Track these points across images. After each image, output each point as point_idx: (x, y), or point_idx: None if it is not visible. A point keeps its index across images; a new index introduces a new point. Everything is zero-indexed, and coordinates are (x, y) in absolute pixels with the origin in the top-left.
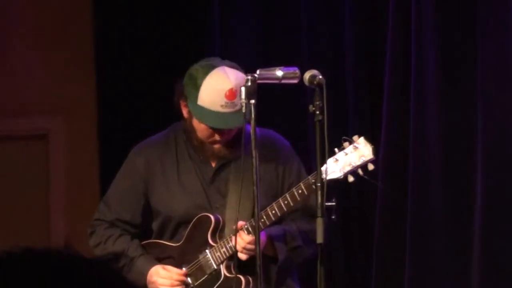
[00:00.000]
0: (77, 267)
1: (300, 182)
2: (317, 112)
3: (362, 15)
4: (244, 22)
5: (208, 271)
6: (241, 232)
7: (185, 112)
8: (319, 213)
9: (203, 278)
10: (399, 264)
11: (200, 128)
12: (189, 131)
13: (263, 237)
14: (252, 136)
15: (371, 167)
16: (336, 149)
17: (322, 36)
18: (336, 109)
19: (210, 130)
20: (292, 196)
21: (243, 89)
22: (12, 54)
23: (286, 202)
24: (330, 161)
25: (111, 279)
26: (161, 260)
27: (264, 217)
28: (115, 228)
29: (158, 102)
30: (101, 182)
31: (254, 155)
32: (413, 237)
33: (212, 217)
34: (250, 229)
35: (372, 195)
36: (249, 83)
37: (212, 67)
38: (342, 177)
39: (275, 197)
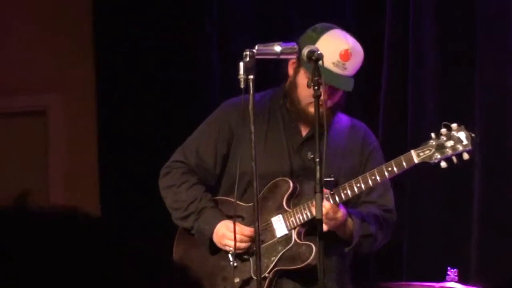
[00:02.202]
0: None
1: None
2: (316, 88)
3: (361, 9)
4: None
5: (279, 235)
6: (326, 203)
7: (291, 69)
8: (317, 188)
9: (272, 241)
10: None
11: (303, 84)
12: (290, 91)
13: (342, 210)
14: (251, 112)
15: (466, 156)
16: (432, 134)
17: None
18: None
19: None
20: (381, 173)
21: (241, 64)
22: (12, 32)
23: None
24: (426, 144)
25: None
26: (230, 218)
27: (336, 196)
28: (193, 174)
29: (156, 79)
30: (100, 158)
31: (252, 130)
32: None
33: (291, 182)
34: (330, 199)
35: None
36: (248, 59)
37: (334, 28)
38: (436, 162)
39: None
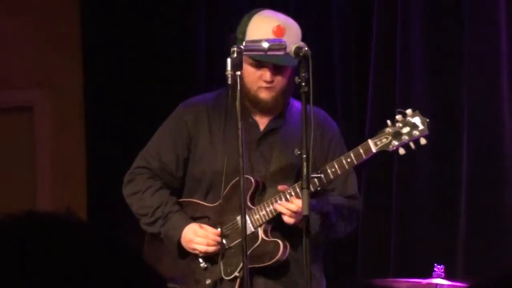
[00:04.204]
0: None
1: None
2: (303, 84)
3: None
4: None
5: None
6: (292, 197)
7: (244, 64)
8: (304, 184)
9: (239, 240)
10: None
11: (248, 72)
12: (243, 85)
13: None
14: (238, 108)
15: (423, 141)
16: (388, 121)
17: (309, 30)
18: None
19: (258, 72)
20: (340, 164)
21: (228, 60)
22: None
23: (333, 169)
24: (383, 132)
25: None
26: (196, 219)
27: (298, 189)
28: (157, 179)
29: (144, 75)
30: (87, 154)
31: (239, 126)
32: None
33: (252, 179)
34: (293, 194)
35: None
36: (235, 55)
37: (262, 10)
38: (394, 149)
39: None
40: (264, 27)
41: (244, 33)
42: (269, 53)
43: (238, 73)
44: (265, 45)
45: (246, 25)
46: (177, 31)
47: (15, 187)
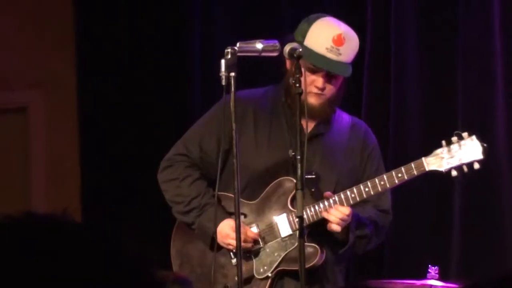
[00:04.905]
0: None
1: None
2: (297, 85)
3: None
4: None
5: (283, 235)
6: (336, 204)
7: (288, 63)
8: (299, 185)
9: (276, 240)
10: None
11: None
12: (288, 85)
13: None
14: (232, 109)
15: (476, 166)
16: (443, 142)
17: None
18: None
19: (311, 77)
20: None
21: (222, 61)
22: None
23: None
24: (437, 152)
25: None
26: (232, 214)
27: (343, 197)
28: (196, 169)
29: (137, 76)
30: (81, 154)
31: (234, 128)
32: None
33: (295, 181)
34: (337, 201)
35: None
36: (229, 56)
37: (325, 16)
38: (447, 170)
39: (356, 182)
40: (325, 33)
41: (304, 36)
42: (328, 55)
43: (232, 74)
44: (259, 46)
45: (307, 29)
46: (171, 31)
47: (9, 187)
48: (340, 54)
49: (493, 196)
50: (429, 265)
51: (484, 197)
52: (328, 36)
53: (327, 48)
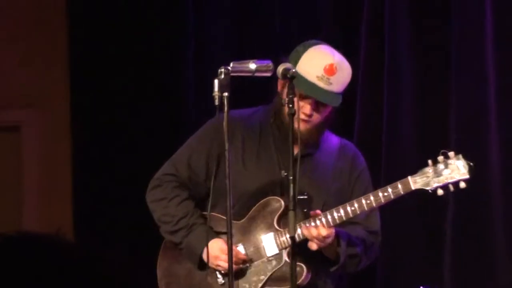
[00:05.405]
0: (69, 251)
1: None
2: (290, 105)
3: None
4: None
5: (269, 254)
6: (321, 223)
7: (280, 85)
8: (291, 206)
9: (261, 259)
10: None
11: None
12: (279, 107)
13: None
14: (225, 129)
15: (462, 185)
16: (429, 161)
17: (295, 30)
18: None
19: (300, 102)
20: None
21: (216, 81)
22: None
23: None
24: (423, 171)
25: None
26: (219, 234)
27: (329, 217)
28: (184, 189)
29: (132, 93)
30: (74, 173)
31: (226, 147)
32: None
33: (282, 201)
34: (323, 221)
35: None
36: (222, 76)
37: (320, 44)
38: (433, 189)
39: (343, 203)
40: (317, 61)
41: (297, 62)
42: (319, 84)
43: (226, 94)
44: (253, 66)
45: (300, 55)
46: (164, 50)
47: (2, 206)
48: (330, 83)
49: (485, 216)
50: (421, 287)
51: (476, 217)
52: (320, 65)
53: (317, 77)
